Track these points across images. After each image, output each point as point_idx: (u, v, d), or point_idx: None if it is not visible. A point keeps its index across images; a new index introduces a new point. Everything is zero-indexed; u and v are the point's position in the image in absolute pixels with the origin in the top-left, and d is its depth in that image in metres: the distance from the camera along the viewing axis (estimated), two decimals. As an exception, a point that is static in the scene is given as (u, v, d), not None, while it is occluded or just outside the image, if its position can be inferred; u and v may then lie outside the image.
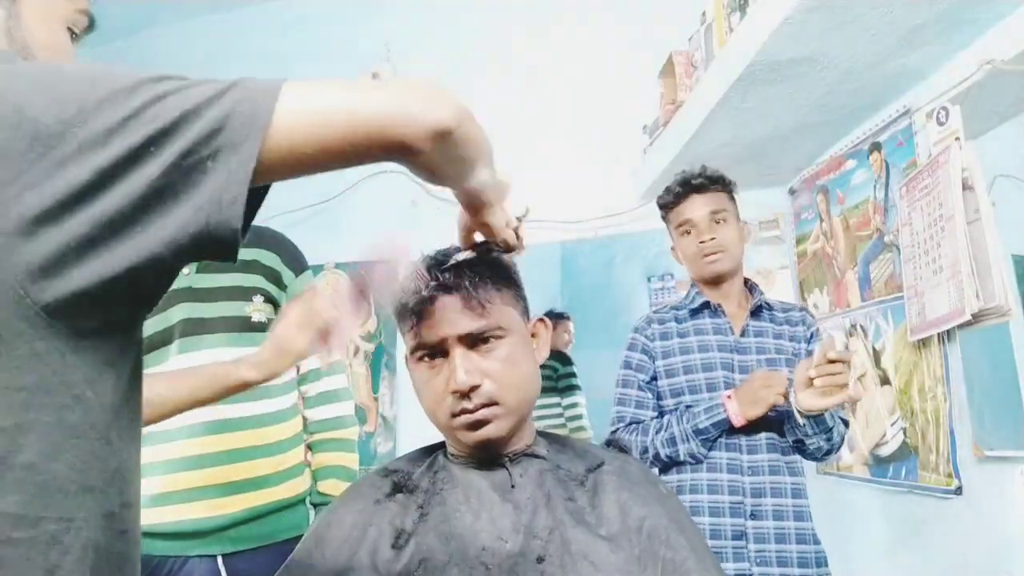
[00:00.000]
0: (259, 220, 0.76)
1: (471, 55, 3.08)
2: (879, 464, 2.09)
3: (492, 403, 0.92)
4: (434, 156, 0.67)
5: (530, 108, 2.96)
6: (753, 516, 1.62)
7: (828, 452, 1.67)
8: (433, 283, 0.92)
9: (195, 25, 3.37)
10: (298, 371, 1.60)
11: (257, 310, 1.51)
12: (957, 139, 1.63)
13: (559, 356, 3.77)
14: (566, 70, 2.95)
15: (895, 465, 2.01)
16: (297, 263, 1.61)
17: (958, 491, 1.75)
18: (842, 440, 1.68)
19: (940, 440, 1.80)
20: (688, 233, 1.77)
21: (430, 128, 0.64)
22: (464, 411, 0.92)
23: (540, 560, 0.86)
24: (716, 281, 1.77)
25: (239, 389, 1.15)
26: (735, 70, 1.80)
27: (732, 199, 1.80)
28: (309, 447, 1.63)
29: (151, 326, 1.45)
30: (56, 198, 0.52)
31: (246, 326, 1.49)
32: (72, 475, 0.55)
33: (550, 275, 4.65)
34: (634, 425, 1.76)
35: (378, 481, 0.99)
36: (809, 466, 2.48)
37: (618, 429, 1.78)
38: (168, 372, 1.28)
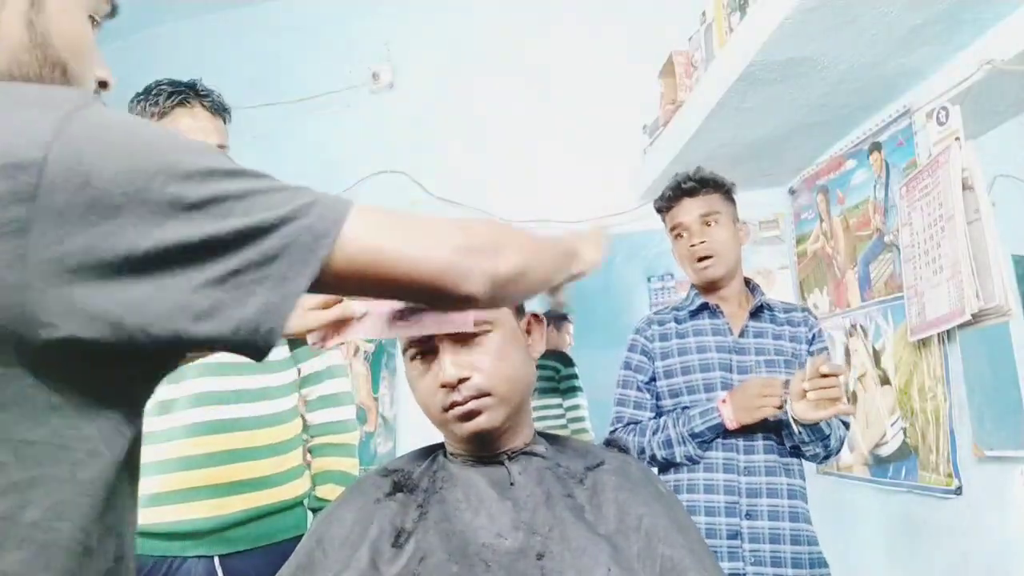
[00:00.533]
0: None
1: (471, 55, 3.08)
2: (879, 464, 2.09)
3: (483, 394, 0.93)
4: (495, 300, 0.69)
5: (530, 108, 2.96)
6: (748, 516, 1.62)
7: (827, 456, 1.67)
8: None
9: (195, 25, 3.37)
10: (299, 373, 1.60)
11: None
12: (957, 139, 1.63)
13: (561, 357, 3.76)
14: (566, 70, 2.95)
15: (895, 465, 2.01)
16: None
17: (958, 491, 1.75)
18: (842, 444, 1.68)
19: (940, 440, 1.80)
20: (681, 236, 1.78)
21: (484, 286, 0.65)
22: (455, 403, 0.93)
23: (540, 556, 0.86)
24: (711, 287, 1.78)
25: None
26: (735, 70, 1.80)
27: (728, 200, 1.79)
28: (309, 450, 1.62)
29: None
30: (96, 263, 0.50)
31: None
32: (76, 534, 0.54)
33: (550, 275, 4.65)
34: (632, 425, 1.76)
35: (378, 480, 1.00)
36: (809, 466, 2.47)
37: (616, 429, 1.79)
38: None
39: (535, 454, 0.99)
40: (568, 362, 3.80)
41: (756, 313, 1.76)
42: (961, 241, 1.59)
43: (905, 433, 1.96)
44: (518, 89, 2.99)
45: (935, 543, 1.88)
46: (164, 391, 1.43)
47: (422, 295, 0.64)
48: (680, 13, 2.41)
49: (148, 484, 1.37)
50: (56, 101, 0.53)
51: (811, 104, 1.99)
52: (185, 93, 1.39)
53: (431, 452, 1.05)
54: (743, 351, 1.72)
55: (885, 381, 2.05)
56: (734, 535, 1.61)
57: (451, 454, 1.01)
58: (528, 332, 1.02)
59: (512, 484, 0.94)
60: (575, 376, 3.75)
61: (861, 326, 2.17)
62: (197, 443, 1.41)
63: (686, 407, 1.70)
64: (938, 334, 1.77)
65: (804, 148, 2.35)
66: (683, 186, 1.77)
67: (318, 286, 0.57)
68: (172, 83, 1.40)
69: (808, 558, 1.62)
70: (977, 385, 1.74)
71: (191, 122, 1.38)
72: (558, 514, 0.91)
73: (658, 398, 1.78)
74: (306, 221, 0.56)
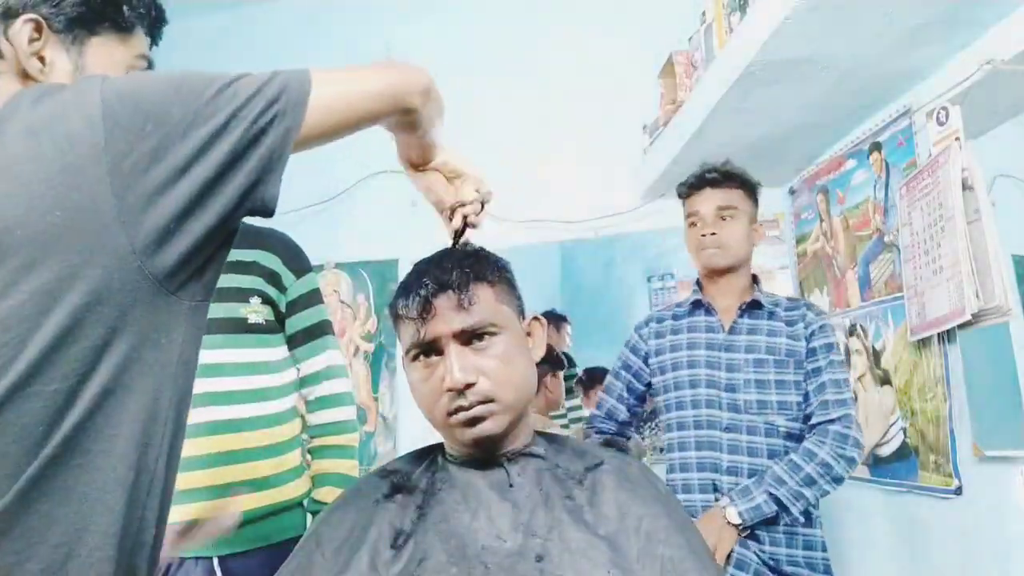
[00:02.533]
0: (260, 219, 0.77)
1: (471, 55, 3.08)
2: (879, 464, 2.09)
3: (488, 400, 0.92)
4: (424, 110, 0.92)
5: (530, 108, 2.96)
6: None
7: (834, 484, 1.62)
8: (427, 282, 0.93)
9: (195, 24, 3.36)
10: (298, 373, 1.59)
11: (253, 311, 1.50)
12: (957, 139, 1.63)
13: (564, 358, 3.75)
14: (566, 70, 2.94)
15: (895, 465, 2.01)
16: (298, 264, 1.60)
17: (958, 491, 1.75)
18: (837, 474, 1.62)
19: (940, 440, 1.80)
20: (695, 225, 1.80)
21: (422, 90, 0.91)
22: (460, 408, 0.92)
23: (539, 559, 0.86)
24: (713, 274, 1.79)
25: None
26: (735, 70, 1.80)
27: (749, 197, 1.81)
28: (308, 452, 1.62)
29: None
30: (168, 171, 0.66)
31: (241, 327, 1.48)
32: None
33: (550, 275, 4.64)
34: (605, 416, 1.89)
35: (377, 482, 0.99)
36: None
37: (595, 416, 1.90)
38: None
39: (534, 455, 0.98)
40: (569, 363, 3.79)
41: (752, 310, 1.76)
42: (961, 241, 1.59)
43: (905, 433, 1.96)
44: (518, 89, 2.99)
45: (935, 543, 1.87)
46: None
47: (381, 113, 0.86)
48: (680, 13, 2.41)
49: None
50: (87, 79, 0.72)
51: (811, 104, 1.99)
52: None
53: (430, 453, 1.04)
54: (734, 348, 1.73)
55: (885, 381, 2.05)
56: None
57: (450, 455, 1.00)
58: (529, 335, 1.02)
59: (511, 486, 0.94)
60: (575, 376, 3.75)
61: (861, 326, 2.17)
62: (196, 444, 1.41)
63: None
64: (938, 334, 1.77)
65: (804, 148, 2.35)
66: (707, 176, 1.79)
67: (307, 127, 0.74)
68: None
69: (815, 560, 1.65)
70: (977, 385, 1.74)
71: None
72: (557, 516, 0.90)
73: (654, 393, 1.85)
74: (285, 75, 0.75)
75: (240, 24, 3.33)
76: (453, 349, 0.92)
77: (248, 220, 1.48)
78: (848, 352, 2.24)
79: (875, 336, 2.10)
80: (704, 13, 2.13)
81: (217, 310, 1.45)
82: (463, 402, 0.91)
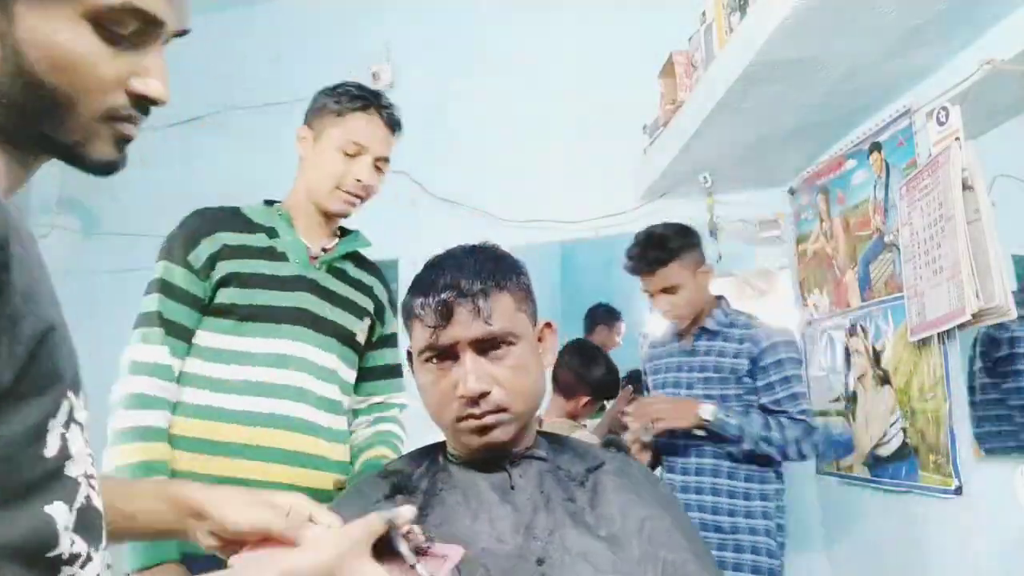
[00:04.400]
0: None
1: (471, 55, 3.08)
2: (879, 464, 2.09)
3: (500, 410, 0.92)
4: None
5: (530, 108, 2.96)
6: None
7: (785, 456, 1.93)
8: (447, 285, 0.92)
9: (194, 25, 3.36)
10: (370, 401, 1.60)
11: (361, 331, 1.53)
12: (957, 139, 1.63)
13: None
14: (566, 70, 2.94)
15: (895, 465, 2.01)
16: (396, 306, 1.62)
17: (958, 491, 1.75)
18: (800, 444, 1.92)
19: (940, 440, 1.80)
20: (649, 295, 2.08)
21: None
22: (471, 416, 0.91)
23: (540, 562, 0.86)
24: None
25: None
26: (735, 70, 1.80)
27: (688, 257, 2.03)
28: (358, 450, 1.55)
29: (274, 298, 1.41)
30: None
31: (351, 340, 1.50)
32: None
33: (550, 275, 4.64)
34: None
35: (378, 482, 0.99)
36: (809, 466, 2.48)
37: None
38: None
39: (536, 457, 0.98)
40: None
41: (708, 334, 2.05)
42: (961, 241, 1.59)
43: (905, 433, 1.96)
44: (518, 89, 2.99)
45: (935, 543, 1.87)
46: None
47: None
48: (680, 13, 2.40)
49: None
50: None
51: (811, 104, 1.99)
52: (367, 99, 1.48)
53: (430, 452, 1.04)
54: (690, 368, 2.06)
55: (885, 381, 2.05)
56: None
57: (452, 455, 1.00)
58: (540, 339, 1.01)
59: (512, 488, 0.94)
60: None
61: (861, 326, 2.17)
62: (272, 436, 1.37)
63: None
64: (938, 334, 1.77)
65: (804, 148, 2.35)
66: (638, 266, 2.05)
67: None
68: (359, 87, 1.52)
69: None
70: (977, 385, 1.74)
71: (365, 126, 1.47)
72: (558, 518, 0.90)
73: None
74: None
75: (240, 24, 3.33)
76: (469, 357, 0.91)
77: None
78: (848, 352, 2.24)
79: (875, 336, 2.10)
80: (704, 13, 2.13)
81: (339, 315, 1.49)
82: (475, 410, 0.91)
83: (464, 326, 0.91)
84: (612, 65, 2.85)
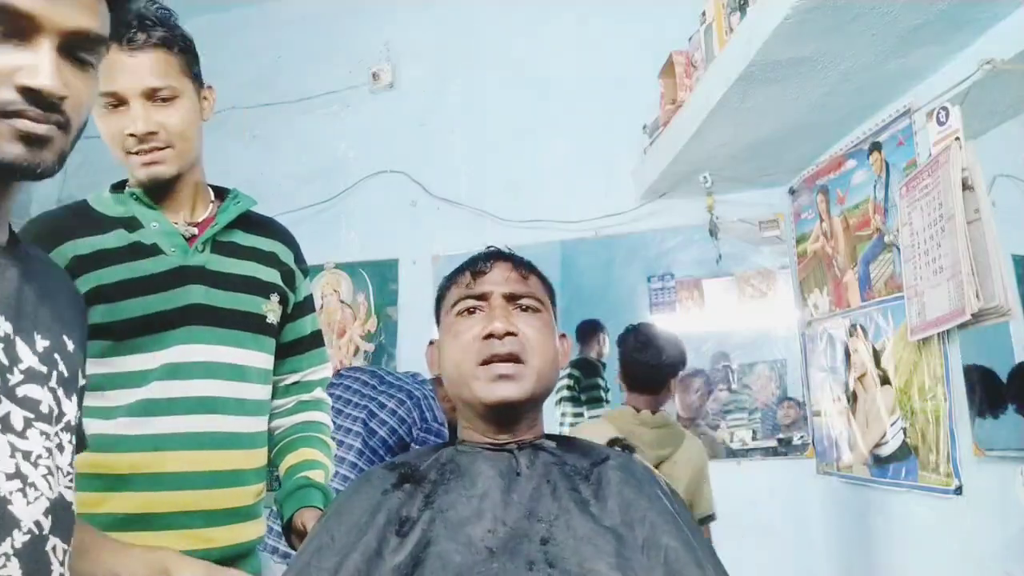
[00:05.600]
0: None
1: (471, 55, 3.08)
2: (879, 464, 2.09)
3: (518, 359, 0.97)
4: None
5: (530, 108, 2.96)
6: None
7: None
8: (489, 250, 1.06)
9: (194, 25, 3.36)
10: (293, 378, 1.41)
11: (272, 311, 1.29)
12: (957, 139, 1.63)
13: (585, 365, 3.62)
14: (566, 70, 2.94)
15: (895, 465, 2.01)
16: (304, 263, 1.42)
17: (958, 491, 1.75)
18: None
19: (940, 440, 1.80)
20: None
21: None
22: (494, 358, 0.96)
23: (544, 542, 0.87)
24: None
25: None
26: (735, 70, 1.80)
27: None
28: (284, 447, 1.36)
29: (153, 303, 1.18)
30: None
31: (261, 325, 1.28)
32: None
33: (550, 275, 4.62)
34: None
35: (385, 474, 1.01)
36: (809, 466, 2.48)
37: None
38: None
39: (543, 448, 1.01)
40: (592, 371, 3.68)
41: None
42: (961, 241, 1.59)
43: (905, 433, 1.96)
44: (518, 89, 2.99)
45: (935, 543, 1.88)
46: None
47: None
48: (680, 13, 2.41)
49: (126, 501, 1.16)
50: None
51: (811, 104, 1.99)
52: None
53: (440, 447, 1.07)
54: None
55: (885, 381, 2.05)
56: None
57: (462, 440, 1.03)
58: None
59: (519, 474, 0.96)
60: (597, 387, 3.67)
61: (861, 326, 2.17)
62: (190, 459, 1.19)
63: None
64: (938, 334, 1.77)
65: (804, 148, 2.35)
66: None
67: None
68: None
69: None
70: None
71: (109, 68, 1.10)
72: (564, 505, 0.92)
73: None
74: None
75: (239, 24, 3.33)
76: (500, 303, 1.00)
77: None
78: (848, 352, 2.25)
79: (875, 336, 2.10)
80: (704, 13, 2.13)
81: (241, 302, 1.26)
82: (500, 349, 0.96)
83: (501, 278, 1.02)
84: (612, 65, 2.86)
